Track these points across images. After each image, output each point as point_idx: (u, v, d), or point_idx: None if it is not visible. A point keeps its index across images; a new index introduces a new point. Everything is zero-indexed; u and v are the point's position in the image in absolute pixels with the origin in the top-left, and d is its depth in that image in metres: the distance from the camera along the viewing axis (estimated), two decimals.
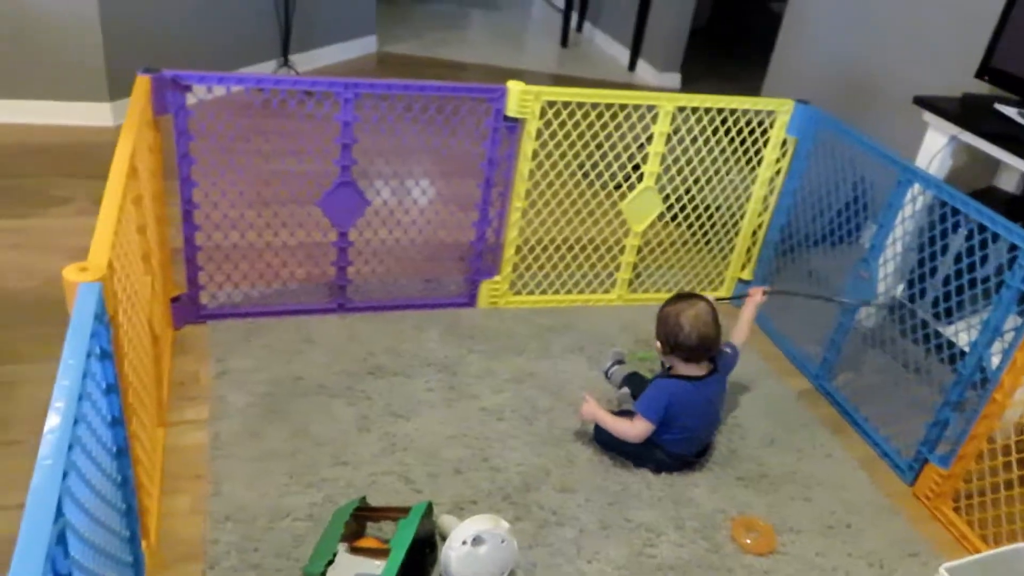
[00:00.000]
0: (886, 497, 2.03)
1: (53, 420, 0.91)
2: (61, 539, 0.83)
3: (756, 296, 2.22)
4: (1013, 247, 1.85)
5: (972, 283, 2.01)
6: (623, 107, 2.37)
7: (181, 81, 1.94)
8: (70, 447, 0.90)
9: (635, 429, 1.90)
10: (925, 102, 2.51)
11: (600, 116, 2.36)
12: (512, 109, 2.22)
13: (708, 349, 1.91)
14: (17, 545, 0.76)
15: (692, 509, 1.89)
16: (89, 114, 3.28)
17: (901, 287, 2.42)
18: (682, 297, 1.97)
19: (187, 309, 2.21)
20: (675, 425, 1.90)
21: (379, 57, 4.78)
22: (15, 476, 1.67)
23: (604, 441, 2.00)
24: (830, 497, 1.99)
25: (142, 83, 1.88)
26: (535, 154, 2.32)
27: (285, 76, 3.12)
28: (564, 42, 5.70)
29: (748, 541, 1.82)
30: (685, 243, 2.82)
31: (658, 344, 1.94)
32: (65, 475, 0.86)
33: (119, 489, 1.28)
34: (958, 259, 2.06)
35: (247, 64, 3.86)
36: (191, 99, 1.99)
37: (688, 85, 5.02)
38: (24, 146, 3.10)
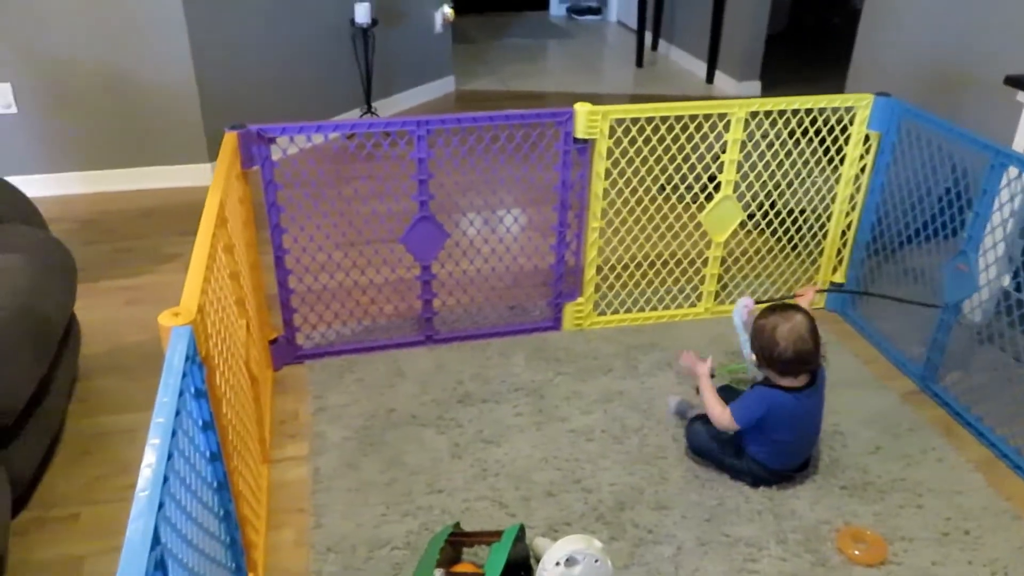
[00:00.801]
0: (1007, 500, 1.90)
1: (149, 455, 0.98)
2: (160, 566, 0.89)
3: (808, 294, 2.14)
4: None
5: None
6: (694, 118, 2.35)
7: (265, 134, 2.06)
8: (165, 479, 0.96)
9: (723, 416, 1.87)
10: (1018, 81, 2.38)
11: (672, 130, 2.35)
12: (581, 131, 2.25)
13: (806, 363, 1.84)
14: (118, 572, 0.82)
15: (794, 522, 1.83)
16: (193, 175, 3.51)
17: (1008, 277, 2.29)
18: (777, 309, 1.90)
19: (284, 350, 2.32)
20: (769, 438, 1.85)
21: (457, 95, 4.92)
22: None
23: (698, 448, 1.97)
24: (944, 503, 1.89)
25: (230, 139, 2.01)
26: (608, 173, 2.33)
27: (360, 120, 3.25)
28: (640, 62, 5.70)
29: (856, 552, 1.74)
30: (771, 250, 2.76)
31: (754, 356, 1.90)
32: (161, 505, 0.93)
33: (222, 522, 1.36)
34: None
35: (334, 114, 4.05)
36: (277, 152, 2.11)
37: (768, 91, 4.92)
38: (138, 210, 3.35)
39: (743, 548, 1.76)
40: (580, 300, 2.49)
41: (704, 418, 1.98)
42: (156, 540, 0.88)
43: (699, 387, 1.97)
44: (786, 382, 1.85)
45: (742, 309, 2.13)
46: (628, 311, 2.57)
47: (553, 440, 2.07)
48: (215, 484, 1.32)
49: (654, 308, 2.59)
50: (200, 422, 1.27)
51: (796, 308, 1.89)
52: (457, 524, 1.72)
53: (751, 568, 1.71)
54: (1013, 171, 2.05)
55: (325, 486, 1.91)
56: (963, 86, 3.15)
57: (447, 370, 2.32)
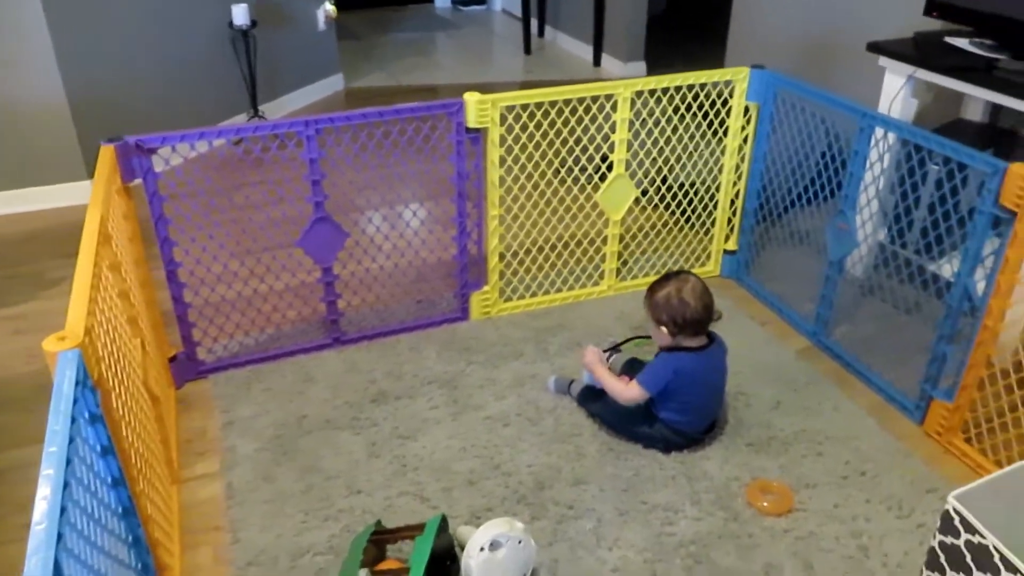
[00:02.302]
0: (898, 440, 2.03)
1: (43, 487, 0.94)
2: None
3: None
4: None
5: (947, 215, 2.01)
6: (582, 101, 2.40)
7: (144, 145, 1.99)
8: (63, 510, 0.92)
9: (628, 392, 1.92)
10: (878, 47, 2.53)
11: (561, 114, 2.39)
12: (472, 120, 2.26)
13: (710, 316, 1.92)
14: None
15: (706, 482, 1.90)
16: (73, 194, 3.34)
17: (883, 231, 2.43)
18: (669, 277, 1.97)
19: (186, 367, 2.24)
20: (678, 400, 1.91)
21: (347, 93, 4.85)
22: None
23: (610, 423, 2.03)
24: (842, 448, 2.00)
25: (106, 153, 1.92)
26: (503, 161, 2.35)
27: (246, 124, 3.17)
28: (527, 49, 5.75)
29: (765, 504, 1.82)
30: (666, 225, 2.84)
31: (663, 329, 1.94)
32: (60, 537, 0.89)
33: (131, 548, 1.31)
34: (935, 194, 2.07)
35: (219, 120, 3.92)
36: (160, 163, 2.04)
37: (653, 71, 5.05)
38: (18, 234, 3.17)
39: (660, 513, 1.82)
40: (486, 289, 2.51)
41: (600, 392, 2.04)
42: (58, 573, 0.85)
43: (597, 377, 2.01)
44: (691, 343, 1.92)
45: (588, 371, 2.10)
46: (534, 295, 2.61)
47: (470, 429, 2.08)
48: (120, 510, 1.28)
49: (559, 290, 2.64)
50: (98, 447, 1.22)
51: (680, 272, 1.97)
52: (379, 522, 1.71)
53: (669, 531, 1.77)
54: (880, 132, 2.18)
55: (240, 500, 1.87)
56: (832, 54, 3.32)
57: (358, 370, 2.30)
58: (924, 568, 1.46)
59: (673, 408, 1.93)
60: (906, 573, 1.65)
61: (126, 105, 3.45)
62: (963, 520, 1.36)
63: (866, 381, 2.24)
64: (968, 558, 1.36)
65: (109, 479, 1.25)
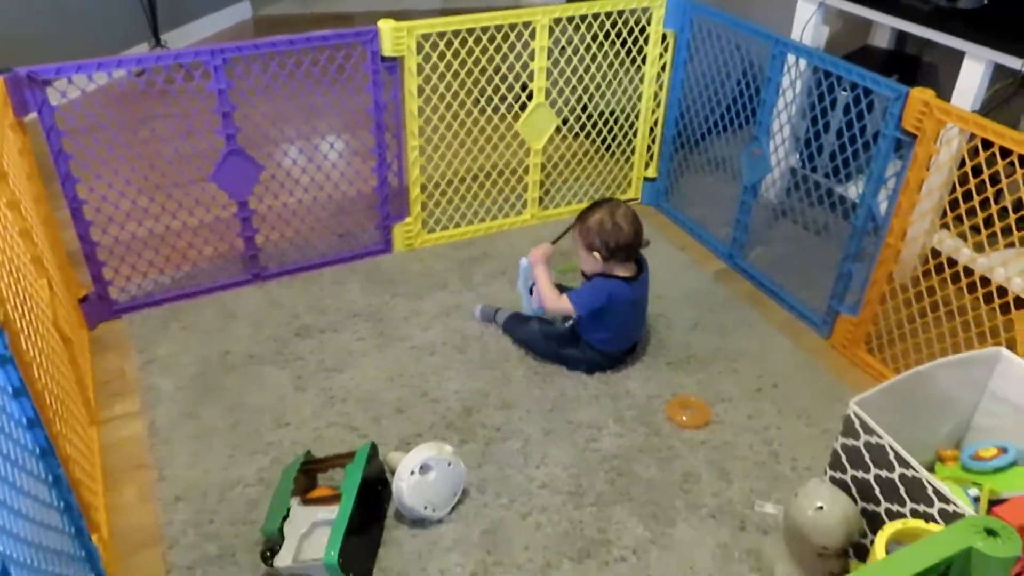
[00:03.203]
0: (807, 354, 2.14)
1: None
2: None
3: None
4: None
5: (854, 139, 2.09)
6: (500, 28, 2.36)
7: (37, 77, 1.87)
8: None
9: (559, 303, 1.97)
10: None
11: (479, 42, 2.35)
12: (388, 48, 2.20)
13: (639, 242, 1.96)
14: None
15: (628, 400, 1.97)
16: None
17: (795, 156, 2.51)
18: (599, 204, 1.98)
19: (98, 307, 2.17)
20: (607, 323, 1.96)
21: (256, 21, 4.64)
22: None
23: (536, 346, 2.07)
24: (756, 365, 2.09)
25: None
26: (421, 90, 2.31)
27: (148, 54, 3.01)
28: None
29: (684, 418, 1.91)
30: (587, 153, 2.86)
31: (595, 255, 1.95)
32: None
33: (52, 488, 1.29)
34: (843, 119, 2.14)
35: (119, 50, 3.70)
36: (55, 96, 1.92)
37: None
38: None
39: (585, 430, 1.88)
40: (408, 220, 2.49)
41: (526, 318, 2.08)
42: None
43: (536, 275, 2.03)
44: (623, 271, 1.96)
45: (527, 269, 2.11)
46: (457, 226, 2.60)
47: (396, 359, 2.09)
48: (37, 451, 1.25)
49: (482, 220, 2.64)
50: (9, 389, 1.18)
51: (610, 199, 2.00)
52: (308, 452, 1.71)
53: (593, 447, 1.84)
54: (792, 58, 2.22)
55: (164, 438, 1.84)
56: None
57: (280, 305, 2.27)
58: (827, 468, 1.56)
59: (600, 330, 1.98)
60: (812, 474, 1.76)
61: (16, 35, 3.22)
62: (862, 423, 1.46)
63: (778, 300, 2.34)
64: (867, 457, 1.46)
65: (24, 420, 1.21)
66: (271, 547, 1.50)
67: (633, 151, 2.78)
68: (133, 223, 2.21)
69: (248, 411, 1.92)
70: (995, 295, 1.80)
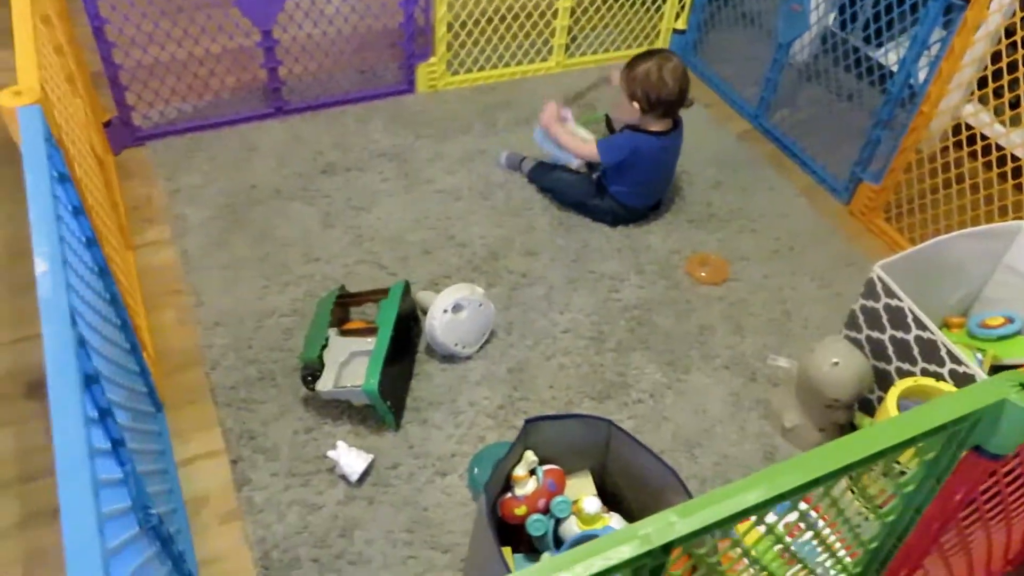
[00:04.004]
0: (825, 219, 2.18)
1: (39, 241, 0.93)
2: (82, 343, 0.89)
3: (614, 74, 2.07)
4: None
5: (900, 1, 2.03)
6: None
7: None
8: (64, 261, 0.93)
9: (584, 148, 1.99)
10: None
11: None
12: None
13: (683, 100, 1.94)
14: (47, 352, 0.81)
15: (650, 254, 2.02)
16: None
17: (833, 15, 2.44)
18: (651, 54, 1.94)
19: (122, 132, 2.15)
20: (631, 177, 1.98)
21: None
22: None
23: (562, 194, 2.09)
24: (774, 226, 2.14)
25: None
26: None
27: None
28: None
29: (703, 274, 1.97)
30: (617, 0, 2.76)
31: (635, 104, 1.93)
32: (69, 286, 0.90)
33: (110, 306, 1.33)
34: None
35: None
36: None
37: None
38: None
39: (607, 281, 1.94)
40: (432, 60, 2.43)
41: (552, 167, 2.09)
42: (74, 320, 0.87)
43: (553, 134, 2.03)
44: (657, 126, 1.95)
45: (543, 129, 2.10)
46: (481, 69, 2.55)
47: (422, 202, 2.11)
48: (97, 269, 1.28)
49: (507, 64, 2.58)
50: (70, 207, 1.19)
51: (663, 50, 1.96)
52: (342, 287, 1.77)
53: (615, 297, 1.91)
54: None
55: (197, 266, 1.88)
56: None
57: (304, 141, 2.25)
58: (844, 328, 1.65)
59: (625, 184, 2.00)
60: (822, 333, 1.84)
61: None
62: (885, 287, 1.52)
63: (801, 164, 2.35)
64: (884, 318, 1.53)
65: (84, 239, 1.24)
66: (311, 372, 1.58)
67: (663, 1, 2.68)
68: (156, 46, 2.14)
69: (277, 244, 1.95)
70: (1022, 172, 1.83)
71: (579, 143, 1.99)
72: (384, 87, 2.44)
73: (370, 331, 1.65)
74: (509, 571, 1.17)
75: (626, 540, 0.66)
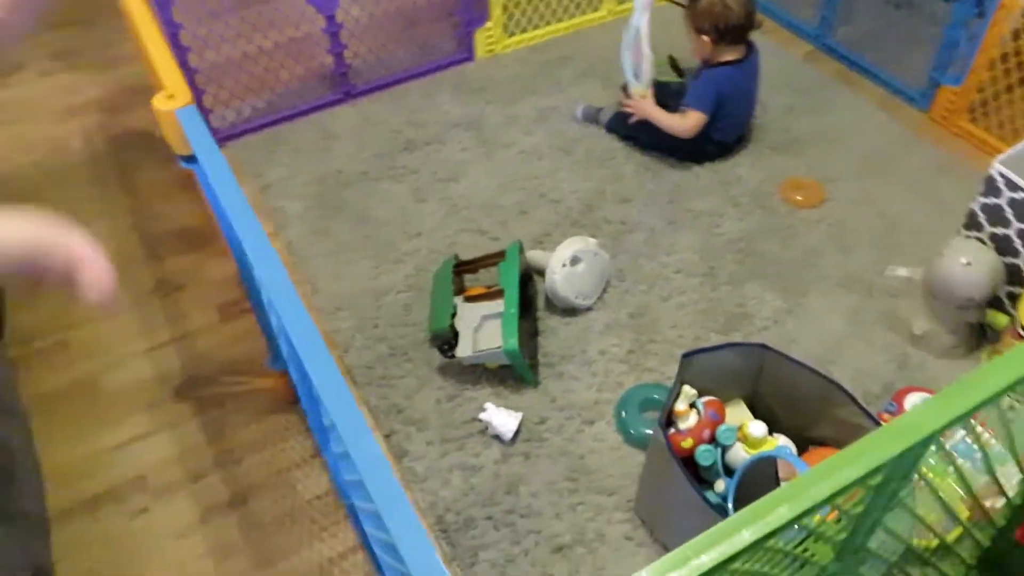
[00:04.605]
0: (908, 129, 2.17)
1: (247, 235, 0.96)
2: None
3: None
4: None
5: None
6: None
7: None
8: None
9: (687, 122, 1.97)
10: None
11: None
12: None
13: (752, 23, 1.93)
14: (298, 346, 0.85)
15: (742, 186, 2.03)
16: None
17: None
18: None
19: None
20: (724, 113, 1.98)
21: None
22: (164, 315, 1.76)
23: (655, 144, 2.09)
24: (858, 142, 2.14)
25: None
26: None
27: None
28: None
29: (799, 198, 1.98)
30: None
31: (704, 38, 1.93)
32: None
33: None
34: None
35: None
36: None
37: None
38: None
39: (706, 218, 1.96)
40: (489, 24, 2.43)
41: (630, 115, 2.09)
42: None
43: (652, 119, 2.03)
44: (730, 55, 1.95)
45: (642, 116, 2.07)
46: (536, 27, 2.54)
47: (506, 165, 2.12)
48: None
49: (559, 19, 2.57)
50: None
51: None
52: (456, 256, 1.80)
53: (717, 232, 1.92)
54: None
55: (304, 255, 1.92)
56: None
57: (377, 122, 2.27)
58: (962, 229, 1.65)
59: (718, 120, 2.00)
60: (932, 240, 1.83)
61: None
62: (1007, 180, 1.52)
63: (872, 78, 2.33)
64: (1009, 213, 1.54)
65: None
66: (446, 341, 1.62)
67: None
68: (227, 44, 2.16)
69: (376, 224, 1.98)
70: None
71: (679, 120, 1.98)
72: (444, 58, 2.45)
73: (494, 294, 1.67)
74: (702, 493, 1.21)
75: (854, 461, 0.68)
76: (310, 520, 1.49)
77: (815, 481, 0.66)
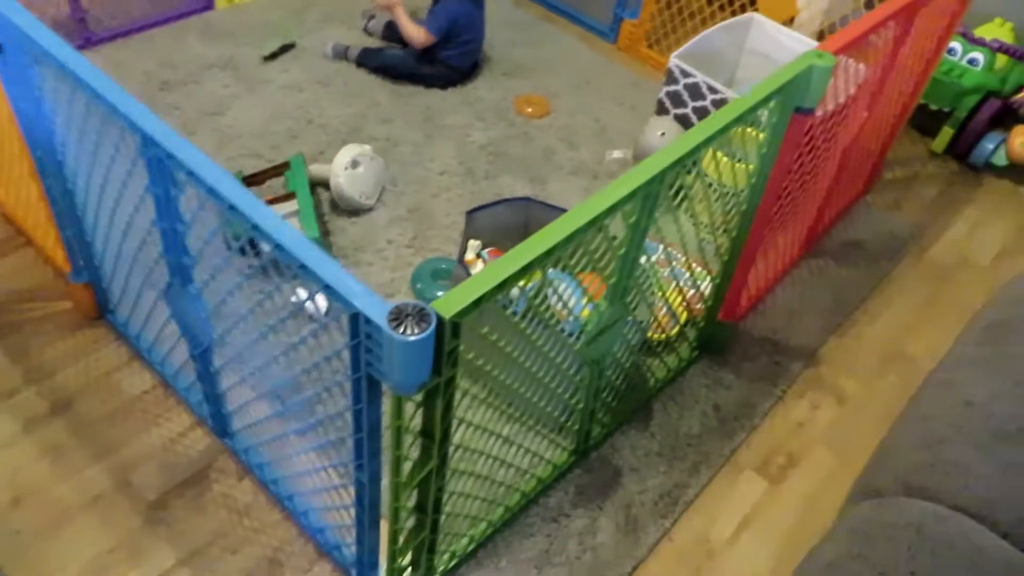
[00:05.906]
0: (604, 56, 2.66)
1: None
2: None
3: None
4: None
5: None
6: None
7: None
8: None
9: (421, 36, 2.28)
10: None
11: None
12: None
13: None
14: None
15: (483, 104, 2.37)
16: None
17: None
18: None
19: None
20: (457, 41, 2.30)
21: None
22: None
23: (396, 69, 2.36)
24: (568, 68, 2.58)
25: None
26: None
27: None
28: None
29: (530, 110, 2.36)
30: None
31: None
32: None
33: None
34: None
35: None
36: None
37: None
38: None
39: (458, 131, 2.27)
40: None
41: (379, 49, 2.35)
42: None
43: (396, 16, 2.29)
44: None
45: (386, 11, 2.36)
46: None
47: (270, 99, 2.27)
48: None
49: None
50: None
51: None
52: (240, 171, 1.92)
53: (469, 141, 2.24)
54: None
55: None
56: None
57: (127, 66, 2.28)
58: (654, 114, 2.13)
59: (454, 48, 2.32)
60: (633, 132, 2.30)
61: None
62: (682, 70, 2.01)
63: (569, 18, 2.80)
64: (685, 96, 2.03)
65: None
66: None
67: None
68: None
69: None
70: None
71: (415, 30, 2.26)
72: (183, 6, 2.50)
73: (286, 197, 1.84)
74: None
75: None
76: (141, 411, 1.55)
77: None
